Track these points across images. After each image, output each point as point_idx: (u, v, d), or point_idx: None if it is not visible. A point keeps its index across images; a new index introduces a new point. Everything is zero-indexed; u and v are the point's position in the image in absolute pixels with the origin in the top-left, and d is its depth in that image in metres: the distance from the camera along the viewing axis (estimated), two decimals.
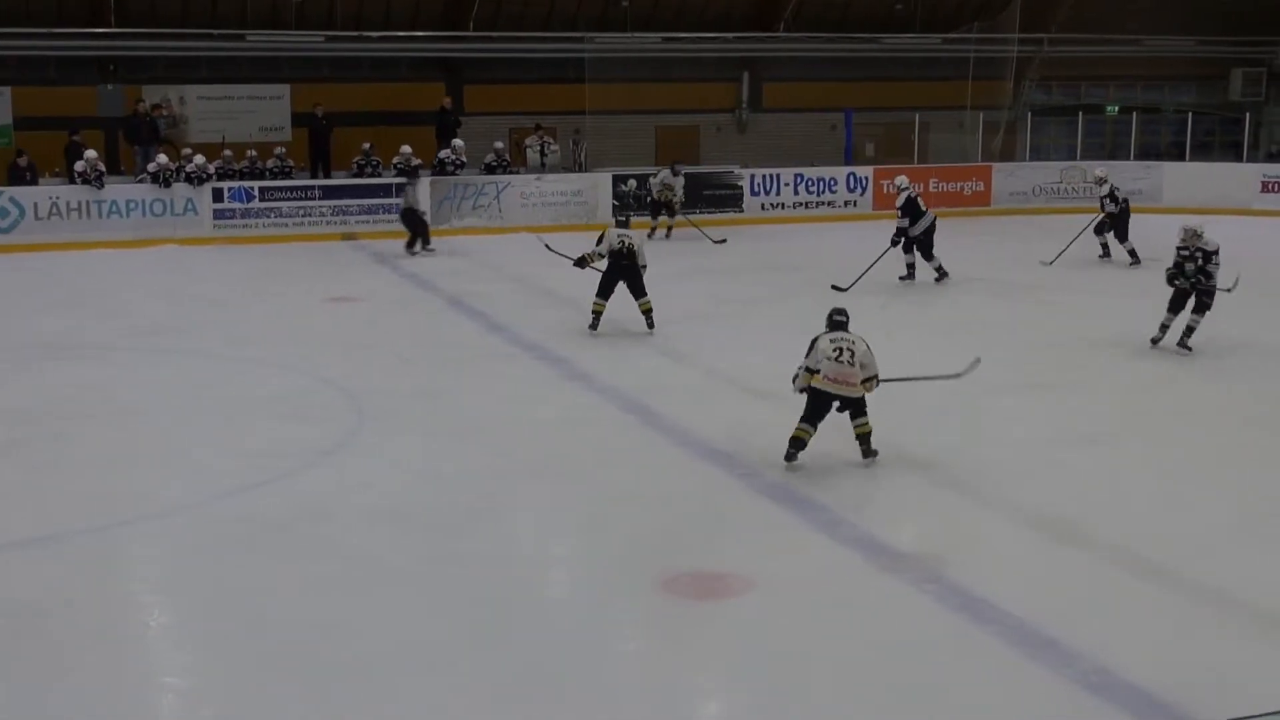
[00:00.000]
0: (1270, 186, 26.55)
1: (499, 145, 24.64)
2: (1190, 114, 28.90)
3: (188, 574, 8.20)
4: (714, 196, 24.72)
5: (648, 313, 14.84)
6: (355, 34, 26.02)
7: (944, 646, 7.20)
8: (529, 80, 27.32)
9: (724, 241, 21.83)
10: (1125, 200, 20.13)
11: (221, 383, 12.97)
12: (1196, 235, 13.74)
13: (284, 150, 24.37)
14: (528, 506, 9.56)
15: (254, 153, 24.16)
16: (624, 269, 14.63)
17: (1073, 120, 28.36)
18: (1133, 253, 19.77)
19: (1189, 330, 13.83)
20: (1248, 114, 29.27)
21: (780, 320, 15.18)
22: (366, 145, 23.99)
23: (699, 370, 13.41)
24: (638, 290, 14.76)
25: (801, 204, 24.93)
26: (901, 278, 18.13)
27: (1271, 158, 28.83)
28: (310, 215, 22.84)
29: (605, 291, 14.73)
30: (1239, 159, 28.19)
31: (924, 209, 18.01)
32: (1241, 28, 30.35)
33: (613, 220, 15.93)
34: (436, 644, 7.15)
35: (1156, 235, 22.05)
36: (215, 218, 22.41)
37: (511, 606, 7.65)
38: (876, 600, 7.82)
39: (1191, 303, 13.82)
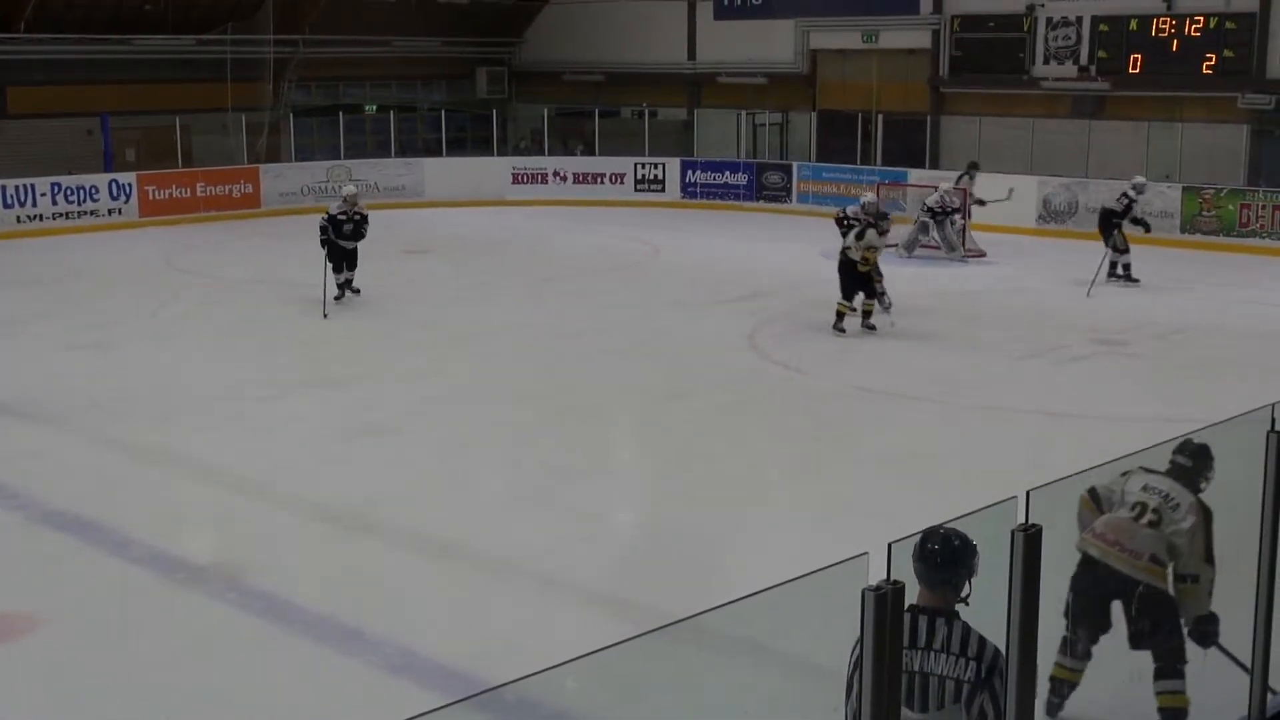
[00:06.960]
0: (520, 177, 28.59)
1: None
2: (443, 111, 30.41)
3: None
4: None
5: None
6: None
7: (250, 652, 7.23)
8: None
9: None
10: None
11: None
12: None
13: None
14: None
15: None
16: None
17: (335, 120, 28.92)
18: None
19: None
20: (494, 110, 31.19)
21: (57, 337, 14.41)
22: None
23: None
24: None
25: (62, 214, 23.60)
26: None
27: (519, 151, 30.84)
28: None
29: None
30: (491, 153, 29.95)
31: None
32: (482, 29, 32.37)
33: None
34: None
35: (421, 228, 23.21)
36: None
37: None
38: (176, 617, 7.69)
39: None
